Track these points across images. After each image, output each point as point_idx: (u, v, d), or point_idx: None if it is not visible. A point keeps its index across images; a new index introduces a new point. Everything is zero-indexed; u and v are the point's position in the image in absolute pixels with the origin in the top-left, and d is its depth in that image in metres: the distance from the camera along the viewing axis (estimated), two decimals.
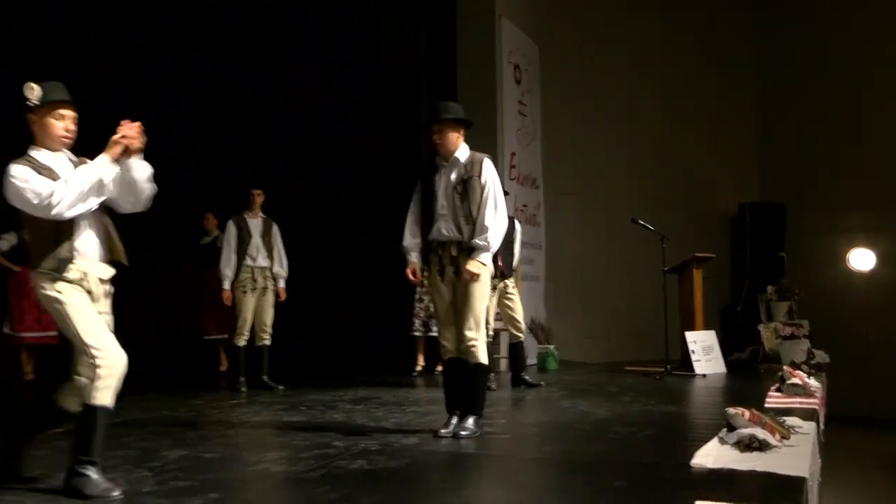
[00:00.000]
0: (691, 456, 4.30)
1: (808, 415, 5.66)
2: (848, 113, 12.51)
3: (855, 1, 12.55)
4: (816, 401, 6.59)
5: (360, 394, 7.52)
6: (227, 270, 7.98)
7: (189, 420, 6.24)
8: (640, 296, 10.92)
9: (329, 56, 11.05)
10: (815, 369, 8.66)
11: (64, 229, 3.72)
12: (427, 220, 5.31)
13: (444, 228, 5.23)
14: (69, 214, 3.65)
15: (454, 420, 5.28)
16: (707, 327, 9.72)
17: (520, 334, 8.29)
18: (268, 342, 8.14)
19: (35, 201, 3.58)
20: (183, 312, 10.56)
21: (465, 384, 5.28)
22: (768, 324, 10.35)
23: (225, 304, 8.06)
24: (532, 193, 11.00)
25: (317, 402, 7.07)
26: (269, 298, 8.14)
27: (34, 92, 3.69)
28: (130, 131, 3.73)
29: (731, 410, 4.85)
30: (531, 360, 9.88)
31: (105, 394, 3.70)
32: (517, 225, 8.45)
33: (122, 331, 3.92)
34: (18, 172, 3.62)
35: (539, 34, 11.43)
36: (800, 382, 7.11)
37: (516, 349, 8.34)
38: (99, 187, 3.70)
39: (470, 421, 5.20)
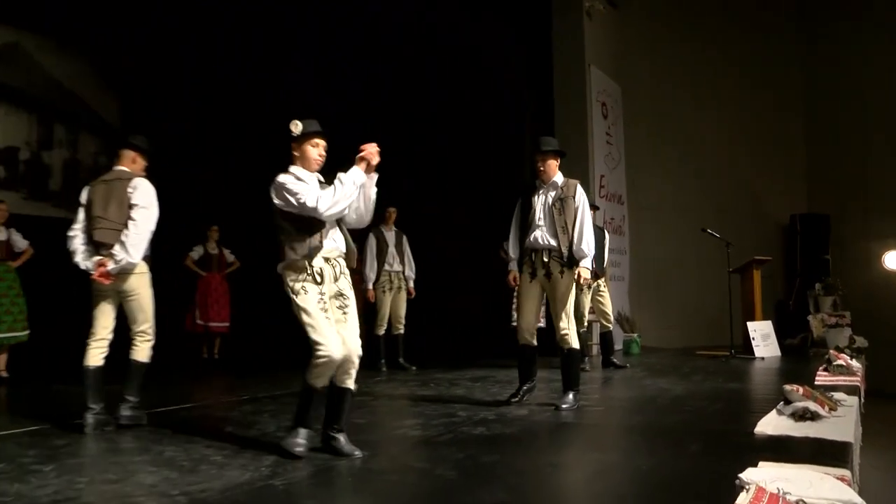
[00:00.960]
0: (754, 425, 4.27)
1: (851, 390, 5.58)
2: (883, 131, 12.10)
3: None
4: (858, 379, 6.50)
5: (478, 373, 7.57)
6: (371, 274, 8.14)
7: None
8: (709, 292, 10.72)
9: (452, 99, 11.22)
10: (856, 352, 8.54)
11: (315, 228, 3.75)
12: (524, 231, 5.39)
13: (541, 237, 5.30)
14: (328, 215, 3.69)
15: (524, 389, 5.48)
16: (764, 318, 9.54)
17: (609, 324, 8.29)
18: (402, 331, 8.31)
19: (303, 201, 3.63)
20: None
21: (564, 366, 5.33)
22: (816, 315, 10.14)
23: (368, 300, 8.23)
24: (618, 208, 10.96)
25: (443, 379, 7.15)
26: (402, 296, 8.30)
27: (297, 127, 3.82)
28: (373, 149, 3.81)
29: (787, 387, 4.79)
30: (618, 346, 9.84)
31: (319, 380, 3.74)
32: (606, 234, 8.48)
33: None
34: (288, 179, 3.74)
35: (621, 74, 11.38)
36: (844, 363, 6.97)
37: (606, 337, 8.33)
38: (354, 194, 3.73)
39: (570, 396, 5.27)
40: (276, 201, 3.74)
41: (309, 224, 3.72)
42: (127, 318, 4.86)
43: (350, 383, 3.87)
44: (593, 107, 10.42)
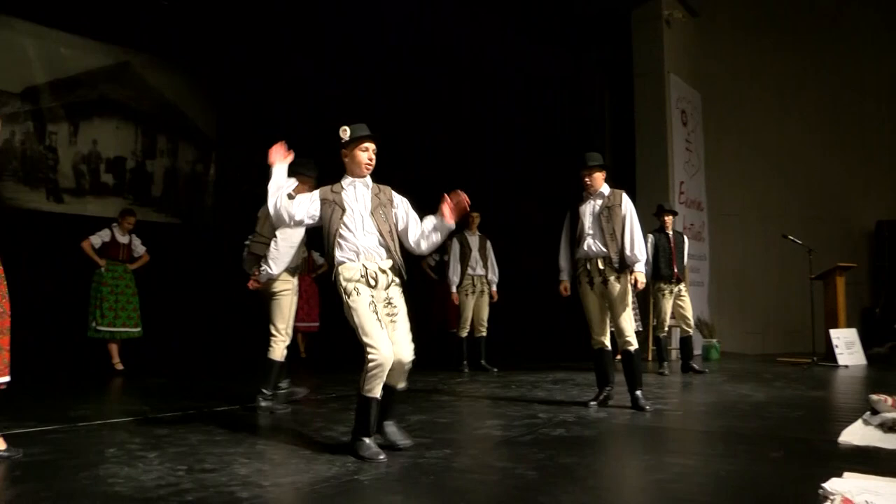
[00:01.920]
0: (839, 434, 4.12)
1: None
2: None
3: None
4: None
5: (559, 376, 7.53)
6: (455, 277, 8.18)
7: (425, 392, 6.39)
8: (791, 298, 10.38)
9: (533, 108, 11.21)
10: None
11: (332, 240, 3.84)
12: (575, 243, 5.47)
13: (593, 245, 5.38)
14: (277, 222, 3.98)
15: (604, 392, 5.51)
16: (849, 326, 9.14)
17: (689, 329, 8.12)
18: (484, 334, 8.32)
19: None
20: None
21: (626, 367, 5.38)
22: None
23: (453, 303, 8.27)
24: (697, 214, 10.73)
25: (524, 381, 7.13)
26: (485, 299, 8.31)
27: (346, 132, 3.86)
28: (462, 200, 3.86)
29: (874, 397, 4.59)
30: (697, 351, 9.62)
31: (374, 389, 3.68)
32: (685, 239, 8.30)
33: None
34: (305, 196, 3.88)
35: (701, 81, 11.15)
36: None
37: (686, 342, 8.15)
38: (272, 194, 3.98)
39: (639, 393, 5.35)
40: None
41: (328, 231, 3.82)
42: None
43: (401, 385, 3.90)
44: (673, 114, 10.25)
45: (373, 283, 3.75)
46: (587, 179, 5.45)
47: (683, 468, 3.56)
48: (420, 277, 9.96)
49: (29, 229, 8.50)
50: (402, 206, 3.99)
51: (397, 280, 3.87)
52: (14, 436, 4.08)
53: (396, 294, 3.85)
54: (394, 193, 4.02)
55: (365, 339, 3.63)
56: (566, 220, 5.60)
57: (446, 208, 3.86)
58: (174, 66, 10.57)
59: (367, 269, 3.76)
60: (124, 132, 10.09)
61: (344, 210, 3.83)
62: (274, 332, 5.25)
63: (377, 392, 3.70)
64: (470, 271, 8.21)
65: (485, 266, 8.27)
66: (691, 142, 10.81)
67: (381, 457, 3.66)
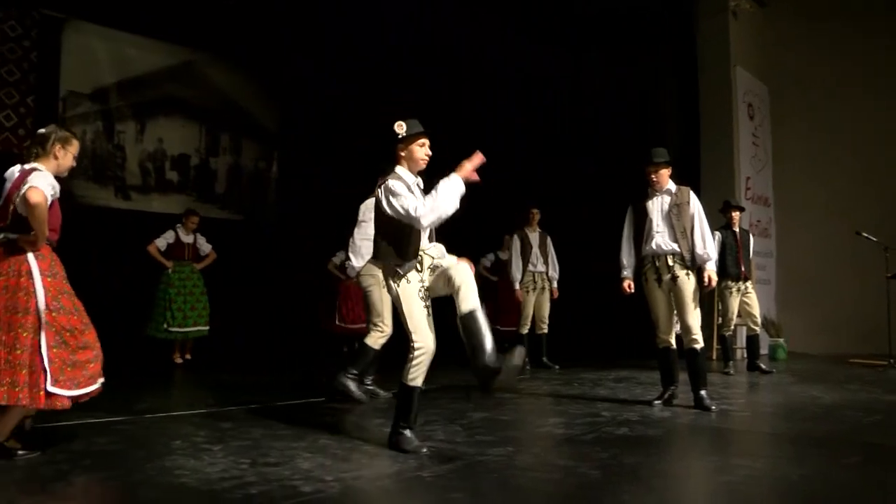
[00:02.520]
0: None
1: None
2: None
3: None
4: None
5: (622, 374, 7.43)
6: (517, 274, 8.12)
7: None
8: (865, 298, 9.99)
9: (595, 102, 11.08)
10: None
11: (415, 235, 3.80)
12: (639, 239, 5.38)
13: (662, 243, 5.30)
14: (426, 224, 3.70)
15: (668, 392, 5.46)
16: None
17: (756, 328, 7.93)
18: (545, 331, 8.25)
19: (409, 210, 3.67)
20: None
21: (691, 366, 5.28)
22: None
23: (517, 300, 8.20)
24: (764, 210, 10.46)
25: (586, 379, 7.05)
26: (546, 296, 8.23)
27: (402, 128, 3.88)
28: (479, 161, 3.77)
29: None
30: (763, 350, 9.37)
31: (419, 378, 3.74)
32: (751, 236, 8.11)
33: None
34: (396, 186, 3.77)
35: (769, 74, 10.85)
36: None
37: (752, 341, 7.95)
38: (453, 204, 3.68)
39: (703, 392, 5.25)
40: (384, 205, 3.80)
41: (411, 226, 3.75)
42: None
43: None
44: (739, 108, 10.01)
45: (419, 267, 3.80)
46: (653, 176, 5.37)
47: (751, 471, 3.46)
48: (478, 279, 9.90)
49: (98, 226, 8.74)
50: None
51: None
52: (84, 426, 4.21)
53: (427, 279, 3.85)
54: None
55: (411, 328, 3.72)
56: (628, 217, 5.53)
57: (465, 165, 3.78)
58: (236, 65, 10.75)
59: (420, 258, 3.83)
60: (188, 130, 10.31)
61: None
62: (376, 322, 5.54)
63: (420, 382, 3.76)
64: (531, 268, 8.14)
65: (545, 262, 8.20)
66: (758, 136, 10.54)
67: (424, 450, 3.70)
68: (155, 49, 9.89)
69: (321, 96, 10.90)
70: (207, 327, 8.09)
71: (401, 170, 3.91)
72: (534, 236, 8.23)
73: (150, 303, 8.02)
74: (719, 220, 7.82)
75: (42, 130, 3.74)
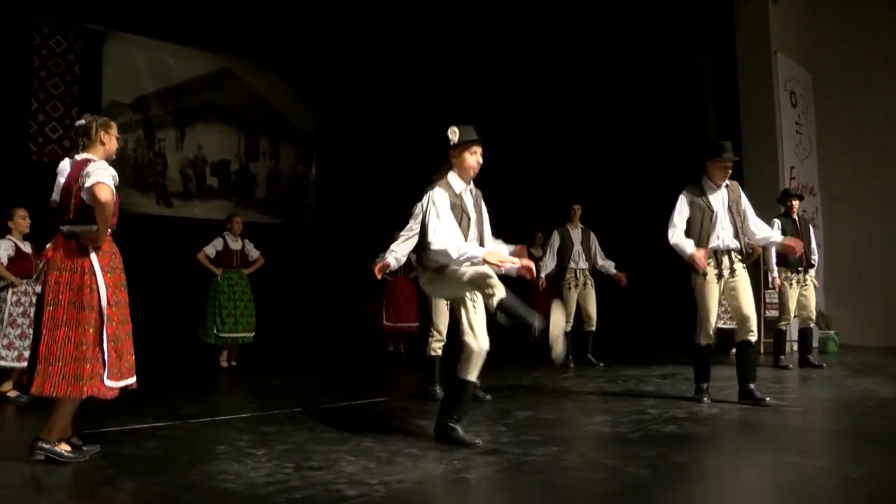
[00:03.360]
0: None
1: None
2: None
3: None
4: None
5: (667, 370, 7.28)
6: (551, 264, 7.97)
7: (530, 387, 6.28)
8: None
9: (634, 93, 10.92)
10: None
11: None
12: (695, 233, 5.25)
13: (727, 239, 5.25)
14: (431, 256, 3.84)
15: (707, 389, 5.40)
16: None
17: (810, 322, 7.73)
18: (593, 328, 8.08)
19: (427, 233, 3.83)
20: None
21: (743, 358, 5.22)
22: None
23: (541, 290, 8.05)
24: (810, 200, 10.20)
25: (630, 376, 6.93)
26: (591, 293, 8.02)
27: (455, 134, 3.89)
28: (523, 265, 3.85)
29: None
30: (813, 343, 9.16)
31: (470, 370, 3.84)
32: (811, 227, 7.98)
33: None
34: (438, 201, 3.85)
35: (812, 60, 10.58)
36: None
37: (805, 334, 7.74)
38: (461, 262, 3.78)
39: (752, 386, 5.19)
40: (424, 210, 3.88)
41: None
42: None
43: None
44: (781, 96, 9.77)
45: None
46: (728, 171, 5.30)
47: (808, 468, 3.35)
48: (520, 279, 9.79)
49: (141, 233, 8.84)
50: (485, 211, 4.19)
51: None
52: (131, 431, 4.24)
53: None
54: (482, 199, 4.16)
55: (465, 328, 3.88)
56: (684, 207, 5.31)
57: (517, 262, 3.87)
58: (273, 70, 10.82)
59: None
60: (227, 136, 10.40)
61: (470, 218, 3.98)
62: (435, 329, 5.62)
63: (473, 377, 3.86)
64: (573, 265, 7.95)
65: (588, 258, 8.02)
66: (801, 124, 10.28)
67: (478, 441, 3.79)
68: (192, 57, 10.01)
69: (358, 98, 10.92)
70: (254, 333, 8.15)
71: (452, 177, 3.98)
72: (575, 233, 8.05)
73: (198, 309, 8.10)
74: (769, 210, 7.60)
75: (81, 121, 3.80)
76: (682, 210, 5.33)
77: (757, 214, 5.46)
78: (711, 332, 5.28)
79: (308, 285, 10.12)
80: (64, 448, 3.56)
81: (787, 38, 10.12)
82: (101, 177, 3.54)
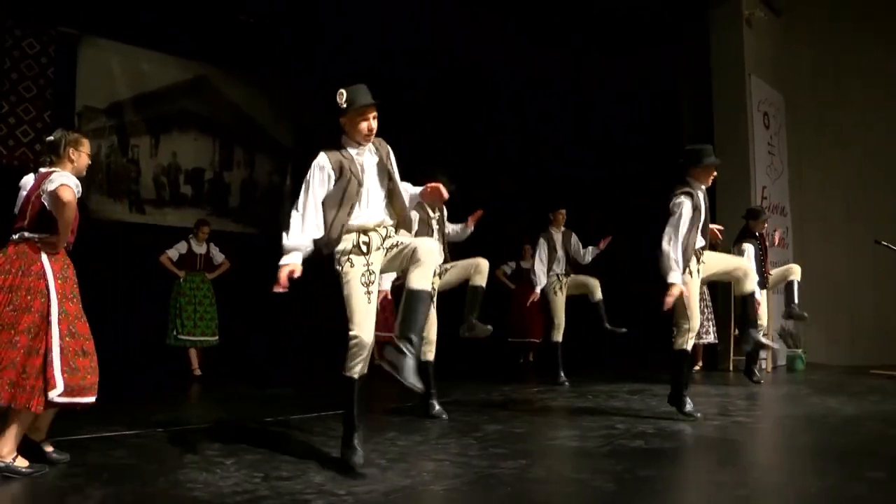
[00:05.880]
0: None
1: None
2: None
3: None
4: None
5: (636, 386, 7.32)
6: (543, 278, 7.73)
7: (500, 402, 6.28)
8: (886, 307, 9.90)
9: (608, 111, 11.11)
10: None
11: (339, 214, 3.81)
12: (693, 237, 5.20)
13: (701, 239, 5.28)
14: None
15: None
16: None
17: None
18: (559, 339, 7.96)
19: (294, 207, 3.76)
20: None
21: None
22: None
23: (532, 307, 8.03)
24: (781, 220, 10.38)
25: (600, 391, 6.96)
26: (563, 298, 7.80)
27: (342, 97, 3.70)
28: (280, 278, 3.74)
29: None
30: (781, 361, 9.34)
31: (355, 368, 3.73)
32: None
33: None
34: (311, 173, 3.75)
35: (784, 82, 10.80)
36: None
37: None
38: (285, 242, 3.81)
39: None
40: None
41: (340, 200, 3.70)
42: None
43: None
44: (754, 117, 9.94)
45: (365, 249, 3.71)
46: (714, 175, 5.40)
47: (769, 484, 3.43)
48: (495, 286, 9.84)
49: (113, 240, 8.81)
50: (395, 166, 3.91)
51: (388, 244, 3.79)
52: (100, 439, 4.23)
53: (378, 260, 3.75)
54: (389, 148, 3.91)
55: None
56: (689, 213, 5.16)
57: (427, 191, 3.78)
58: (250, 79, 10.85)
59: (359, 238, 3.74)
60: (202, 144, 10.41)
61: (361, 183, 3.73)
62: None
63: (358, 373, 3.70)
64: (556, 269, 7.76)
65: (568, 262, 7.84)
66: (774, 145, 10.47)
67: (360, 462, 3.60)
68: (169, 64, 10.01)
69: (337, 110, 10.96)
70: (216, 338, 8.08)
71: (344, 139, 3.80)
72: (558, 237, 7.88)
73: (167, 315, 8.05)
74: (736, 229, 7.73)
75: (51, 137, 3.76)
76: (688, 218, 5.15)
77: (728, 232, 5.59)
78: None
79: (281, 295, 10.06)
80: (21, 463, 3.43)
81: (760, 61, 10.32)
82: (65, 180, 3.52)
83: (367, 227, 3.73)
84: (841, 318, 10.46)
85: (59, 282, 3.53)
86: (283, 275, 3.63)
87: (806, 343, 9.81)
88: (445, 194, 3.82)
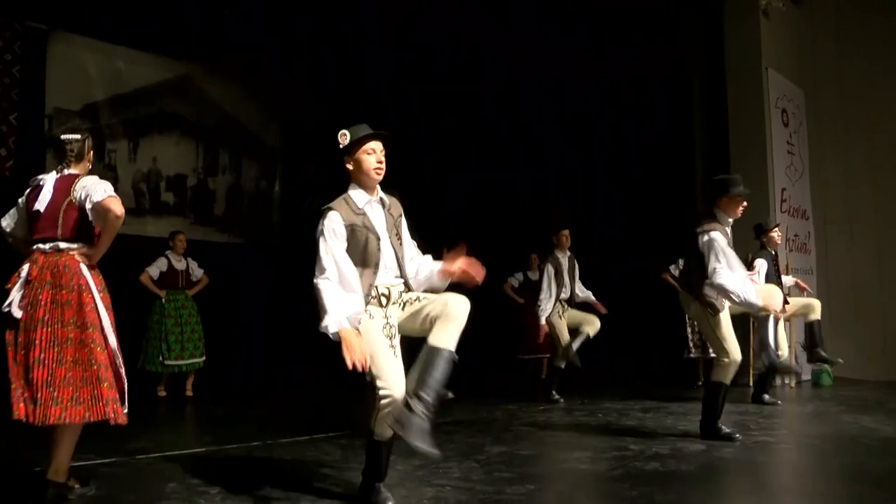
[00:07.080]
0: None
1: None
2: None
3: None
4: None
5: (649, 404, 7.25)
6: (548, 305, 7.66)
7: (505, 421, 6.23)
8: None
9: (619, 112, 11.07)
10: None
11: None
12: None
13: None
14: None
15: None
16: None
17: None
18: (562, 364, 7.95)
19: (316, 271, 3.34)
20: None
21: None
22: None
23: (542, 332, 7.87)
24: (802, 224, 10.32)
25: (611, 409, 6.91)
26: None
27: (345, 137, 3.45)
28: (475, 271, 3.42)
29: None
30: (806, 376, 9.24)
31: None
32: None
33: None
34: (325, 232, 3.34)
35: (806, 77, 10.75)
36: None
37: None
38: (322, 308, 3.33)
39: None
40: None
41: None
42: None
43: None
44: (772, 114, 9.88)
45: (385, 301, 3.43)
46: (743, 205, 5.31)
47: None
48: (500, 300, 9.77)
49: None
50: (405, 228, 3.64)
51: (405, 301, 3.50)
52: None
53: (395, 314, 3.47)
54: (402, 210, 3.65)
55: (375, 372, 3.28)
56: (720, 241, 5.08)
57: (451, 269, 3.45)
58: (235, 78, 10.75)
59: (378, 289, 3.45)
60: (185, 148, 10.30)
61: (379, 238, 3.44)
62: None
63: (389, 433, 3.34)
64: (563, 294, 7.72)
65: (571, 288, 7.83)
66: (794, 144, 10.41)
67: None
68: (148, 62, 9.90)
69: (327, 110, 10.91)
70: (203, 358, 8.02)
71: (352, 190, 3.49)
72: (564, 261, 7.83)
73: (143, 334, 7.94)
74: (751, 241, 7.62)
75: (71, 136, 3.74)
76: (725, 254, 5.05)
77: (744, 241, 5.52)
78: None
79: (270, 309, 10.00)
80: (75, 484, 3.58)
81: (779, 55, 10.26)
82: (109, 190, 3.56)
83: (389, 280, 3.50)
84: (870, 328, 10.36)
85: (102, 294, 3.62)
86: (353, 347, 3.17)
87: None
88: (480, 277, 3.47)
